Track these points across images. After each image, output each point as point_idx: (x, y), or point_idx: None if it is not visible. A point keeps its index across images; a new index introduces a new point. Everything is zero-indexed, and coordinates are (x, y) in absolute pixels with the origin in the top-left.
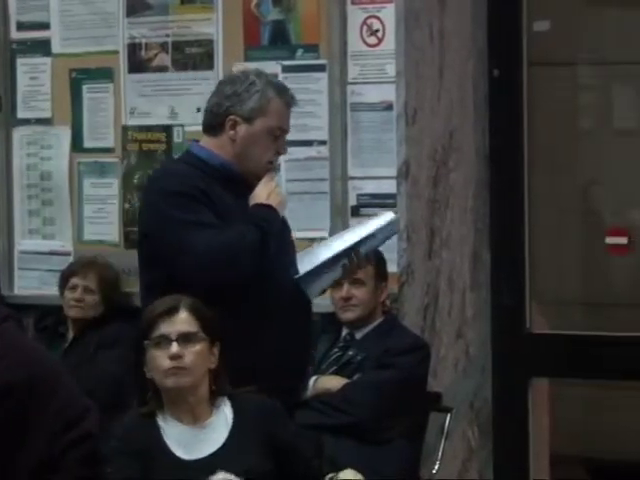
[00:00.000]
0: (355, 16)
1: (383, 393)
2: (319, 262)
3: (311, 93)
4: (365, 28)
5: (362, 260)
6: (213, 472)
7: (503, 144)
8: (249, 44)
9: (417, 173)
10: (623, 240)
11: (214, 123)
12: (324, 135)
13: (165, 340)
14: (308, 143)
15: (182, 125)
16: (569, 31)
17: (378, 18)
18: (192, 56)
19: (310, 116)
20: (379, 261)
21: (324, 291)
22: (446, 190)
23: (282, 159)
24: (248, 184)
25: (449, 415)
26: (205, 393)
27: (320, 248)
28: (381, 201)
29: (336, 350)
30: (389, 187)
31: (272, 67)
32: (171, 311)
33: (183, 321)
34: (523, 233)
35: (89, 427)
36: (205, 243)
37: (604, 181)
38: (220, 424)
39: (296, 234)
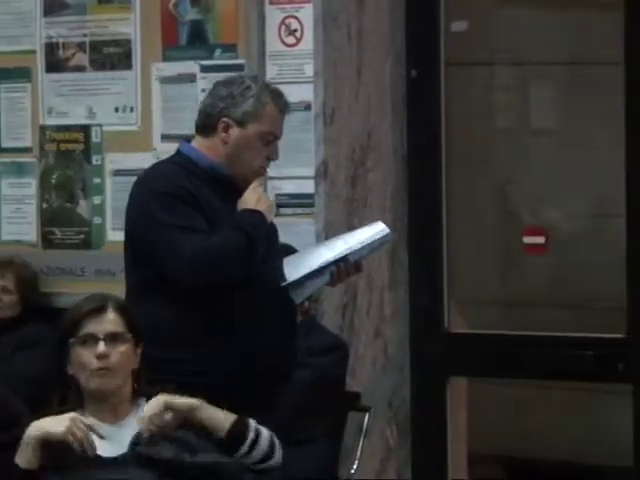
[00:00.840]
0: (273, 16)
1: (302, 393)
2: (308, 270)
3: None
4: (283, 28)
5: (351, 268)
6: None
7: (421, 144)
8: (167, 44)
9: (335, 173)
10: (540, 240)
11: (207, 124)
12: None
13: (92, 339)
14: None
15: (100, 125)
16: (486, 31)
17: (296, 18)
18: (110, 56)
19: None
20: None
21: (310, 296)
22: (364, 190)
23: None
24: (237, 188)
25: (367, 414)
26: (128, 393)
27: (307, 254)
28: (300, 201)
29: None
30: (307, 187)
31: (190, 67)
32: (99, 310)
33: (111, 321)
34: (441, 233)
35: (19, 433)
36: (191, 248)
37: (521, 181)
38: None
39: None
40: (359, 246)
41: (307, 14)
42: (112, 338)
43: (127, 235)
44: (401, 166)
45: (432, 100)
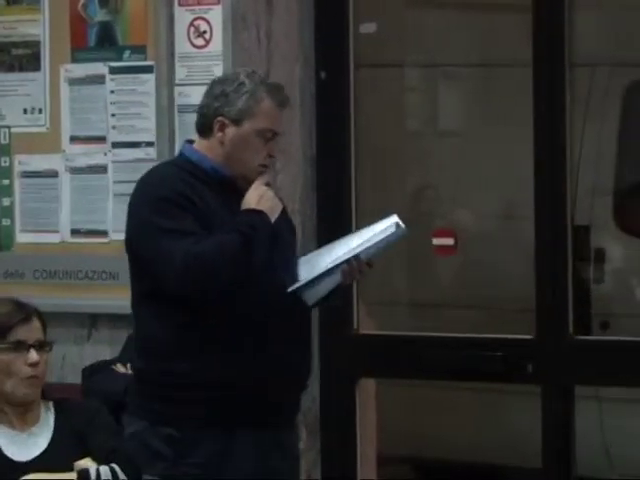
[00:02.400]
0: (182, 17)
1: None
2: (319, 272)
3: (138, 95)
4: (192, 30)
5: (362, 265)
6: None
7: (330, 146)
8: (76, 45)
9: None
10: (449, 241)
11: (204, 124)
12: (152, 137)
13: (22, 346)
14: (136, 145)
15: (8, 127)
16: (395, 33)
17: (205, 20)
18: (18, 57)
19: (137, 118)
20: None
21: (325, 298)
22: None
23: (109, 161)
24: (240, 188)
25: None
26: (39, 399)
27: (322, 254)
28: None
29: None
30: None
31: (99, 68)
32: (28, 318)
33: (38, 329)
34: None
35: None
36: (183, 252)
37: (431, 182)
38: (45, 428)
39: (123, 236)
40: (373, 242)
41: (216, 16)
42: (40, 346)
43: (125, 242)
44: (310, 168)
45: (341, 102)
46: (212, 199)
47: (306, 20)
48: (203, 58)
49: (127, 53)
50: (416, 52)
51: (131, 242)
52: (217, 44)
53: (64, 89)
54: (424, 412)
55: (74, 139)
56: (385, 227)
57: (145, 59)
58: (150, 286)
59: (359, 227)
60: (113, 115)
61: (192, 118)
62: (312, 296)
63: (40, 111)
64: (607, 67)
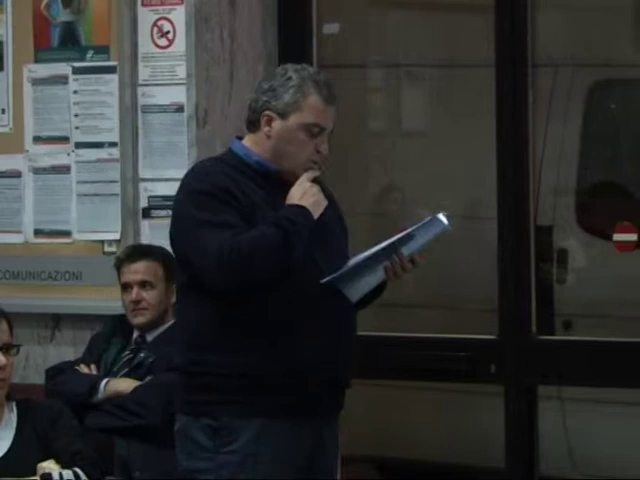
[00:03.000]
0: (145, 18)
1: (173, 395)
2: (352, 265)
3: (102, 95)
4: (155, 30)
5: (405, 262)
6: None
7: None
8: (39, 46)
9: None
10: None
11: (252, 119)
12: (115, 137)
13: None
14: (99, 145)
15: None
16: (359, 34)
17: (169, 20)
18: None
19: (101, 118)
20: (169, 262)
21: (371, 294)
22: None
23: (72, 161)
24: (287, 182)
25: None
26: (4, 401)
27: (370, 251)
28: (172, 203)
29: (127, 353)
30: None
31: (62, 69)
32: None
33: (5, 331)
34: None
35: None
36: (219, 243)
37: (395, 182)
38: (8, 429)
39: (86, 236)
40: (411, 238)
41: (179, 16)
42: (7, 349)
43: (169, 236)
44: None
45: None
46: (256, 194)
47: (269, 21)
48: (166, 58)
49: (90, 53)
50: (379, 52)
51: (172, 235)
52: (180, 44)
53: (27, 89)
54: (388, 412)
55: (37, 139)
56: (426, 222)
57: (108, 59)
58: (189, 279)
59: None
60: (76, 115)
61: (156, 118)
62: (354, 292)
63: (3, 111)
64: (570, 67)
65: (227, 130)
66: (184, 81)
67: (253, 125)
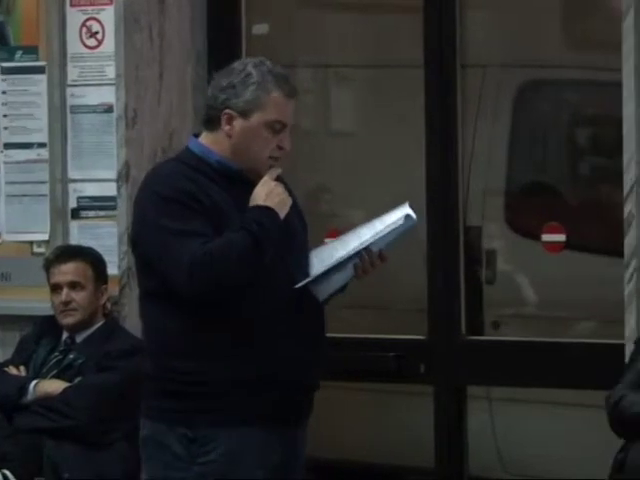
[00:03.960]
0: (74, 18)
1: (103, 396)
2: (327, 267)
3: (31, 95)
4: (84, 30)
5: (375, 259)
6: None
7: None
8: None
9: (137, 175)
10: None
11: (210, 117)
12: (44, 137)
13: None
14: (28, 145)
15: None
16: (288, 34)
17: (97, 20)
18: None
19: (30, 118)
20: (98, 263)
21: (336, 292)
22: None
23: (1, 162)
24: (250, 182)
25: None
26: None
27: (334, 247)
28: (102, 204)
29: (57, 354)
30: (110, 190)
31: None
32: None
33: None
34: None
35: None
36: (191, 253)
37: (324, 182)
38: None
39: (15, 237)
40: (383, 234)
41: (108, 16)
42: None
43: (131, 241)
44: None
45: None
46: (219, 195)
47: (199, 21)
48: (95, 59)
49: (19, 54)
50: (308, 53)
51: (137, 242)
52: (109, 45)
53: None
54: (318, 412)
55: None
56: (396, 218)
57: (37, 60)
58: (157, 285)
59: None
60: (5, 116)
61: (85, 118)
62: (323, 291)
63: None
64: (498, 68)
65: (157, 130)
66: (113, 81)
67: (211, 123)
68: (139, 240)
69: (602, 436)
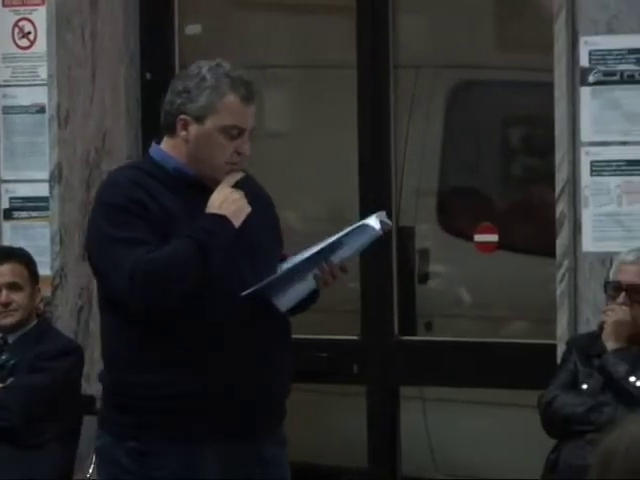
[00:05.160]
0: (6, 18)
1: (35, 397)
2: (277, 275)
3: None
4: (17, 30)
5: (335, 269)
6: None
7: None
8: None
9: (70, 176)
10: None
11: (168, 122)
12: None
13: None
14: None
15: None
16: (221, 35)
17: (30, 20)
18: None
19: None
20: (31, 263)
21: (304, 302)
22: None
23: None
24: (208, 189)
25: None
26: None
27: (300, 256)
28: (34, 204)
29: None
30: (42, 190)
31: None
32: None
33: None
34: None
35: None
36: (133, 262)
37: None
38: None
39: None
40: (340, 246)
41: (40, 16)
42: None
43: (87, 252)
44: None
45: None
46: (171, 202)
47: (131, 21)
48: (27, 59)
49: None
50: (242, 54)
51: (88, 252)
52: (42, 45)
53: None
54: None
55: None
56: (354, 228)
57: None
58: (106, 295)
59: None
60: None
61: (17, 119)
62: (284, 302)
63: None
64: (431, 68)
65: (89, 131)
66: (46, 82)
67: (169, 129)
68: (89, 250)
69: (535, 436)
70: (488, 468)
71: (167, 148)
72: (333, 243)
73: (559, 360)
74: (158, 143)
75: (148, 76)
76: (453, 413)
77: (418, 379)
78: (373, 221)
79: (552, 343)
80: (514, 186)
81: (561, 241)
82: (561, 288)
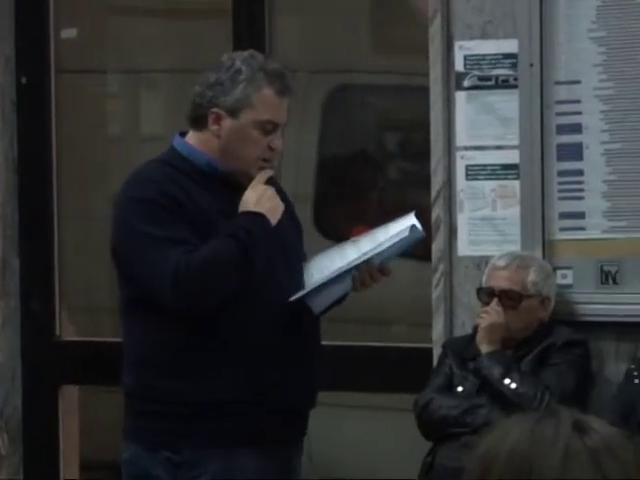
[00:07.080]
0: None
1: None
2: (323, 280)
3: None
4: None
5: (375, 272)
6: None
7: (31, 152)
8: None
9: None
10: None
11: (197, 116)
12: None
13: None
14: None
15: None
16: (97, 39)
17: None
18: None
19: None
20: None
21: (334, 304)
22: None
23: None
24: (239, 185)
25: None
26: None
27: (331, 257)
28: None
29: None
30: None
31: None
32: None
33: None
34: (52, 240)
35: None
36: (173, 263)
37: None
38: None
39: None
40: (386, 246)
41: None
42: None
43: (111, 249)
44: (12, 173)
45: (42, 107)
46: (205, 199)
47: (6, 26)
48: None
49: None
50: (118, 58)
51: (117, 249)
52: None
53: None
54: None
55: None
56: (400, 230)
57: None
58: (139, 296)
59: (61, 233)
60: None
61: None
62: (319, 304)
63: None
64: (307, 72)
65: None
66: None
67: (199, 122)
68: (119, 248)
69: (411, 439)
70: (365, 471)
71: (195, 142)
72: (378, 244)
73: (435, 363)
74: (183, 135)
75: (23, 80)
76: (331, 415)
77: None
78: (414, 221)
79: (428, 347)
80: (390, 189)
81: (437, 245)
82: (437, 292)
